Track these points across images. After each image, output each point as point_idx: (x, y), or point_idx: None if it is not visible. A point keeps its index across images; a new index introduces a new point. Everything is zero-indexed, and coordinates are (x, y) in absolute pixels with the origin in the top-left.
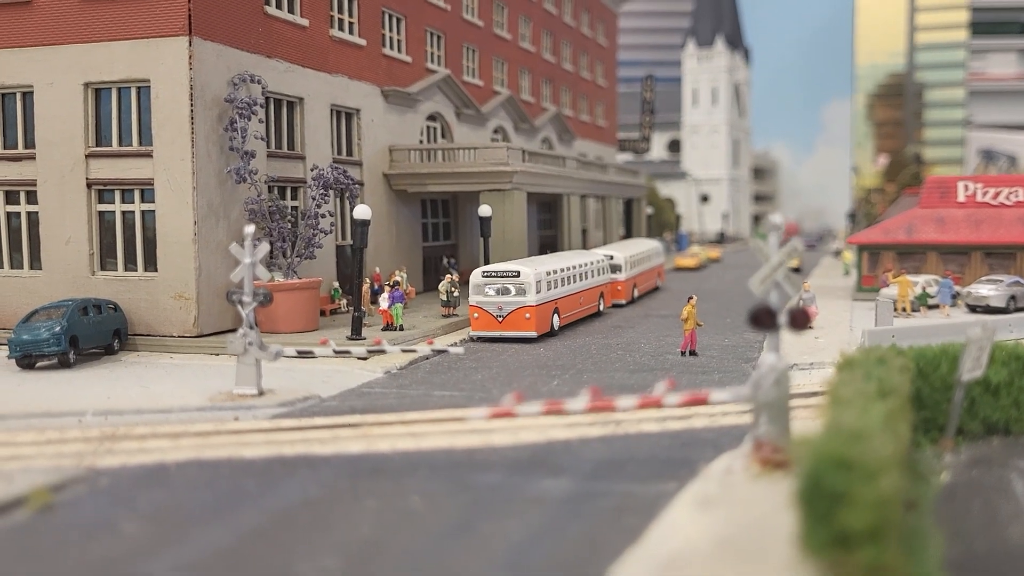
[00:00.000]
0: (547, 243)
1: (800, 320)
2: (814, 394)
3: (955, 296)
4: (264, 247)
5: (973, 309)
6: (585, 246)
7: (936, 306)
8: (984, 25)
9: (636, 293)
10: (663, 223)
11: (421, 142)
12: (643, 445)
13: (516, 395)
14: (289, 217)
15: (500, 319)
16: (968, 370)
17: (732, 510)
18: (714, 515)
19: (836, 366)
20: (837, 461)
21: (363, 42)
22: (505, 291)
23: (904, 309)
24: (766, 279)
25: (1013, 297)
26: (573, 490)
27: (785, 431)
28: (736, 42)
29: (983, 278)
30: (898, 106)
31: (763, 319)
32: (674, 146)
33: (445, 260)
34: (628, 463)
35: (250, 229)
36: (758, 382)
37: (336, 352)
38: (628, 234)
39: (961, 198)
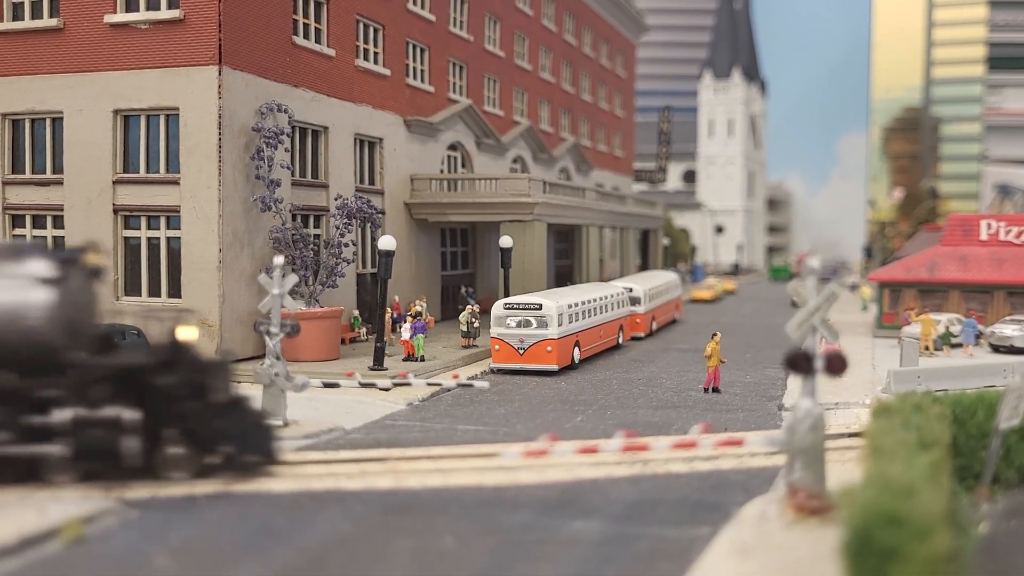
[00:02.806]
0: (563, 273)
1: (837, 365)
2: (842, 435)
3: (979, 336)
4: (292, 278)
5: (996, 349)
6: (601, 276)
7: (959, 345)
8: (1001, 60)
9: (654, 326)
10: (678, 254)
11: (442, 171)
12: (672, 486)
13: (551, 436)
14: (312, 246)
15: (521, 351)
16: (1006, 418)
17: (770, 558)
18: (752, 563)
19: (872, 412)
20: (888, 517)
21: (388, 72)
22: (527, 323)
23: (927, 348)
24: (803, 323)
25: None
26: (605, 532)
27: (820, 477)
28: (753, 74)
29: (1006, 317)
30: (914, 140)
31: (800, 364)
32: (689, 176)
33: (463, 289)
34: (659, 505)
35: (279, 260)
36: (793, 427)
37: (362, 385)
38: (644, 265)
39: (984, 236)
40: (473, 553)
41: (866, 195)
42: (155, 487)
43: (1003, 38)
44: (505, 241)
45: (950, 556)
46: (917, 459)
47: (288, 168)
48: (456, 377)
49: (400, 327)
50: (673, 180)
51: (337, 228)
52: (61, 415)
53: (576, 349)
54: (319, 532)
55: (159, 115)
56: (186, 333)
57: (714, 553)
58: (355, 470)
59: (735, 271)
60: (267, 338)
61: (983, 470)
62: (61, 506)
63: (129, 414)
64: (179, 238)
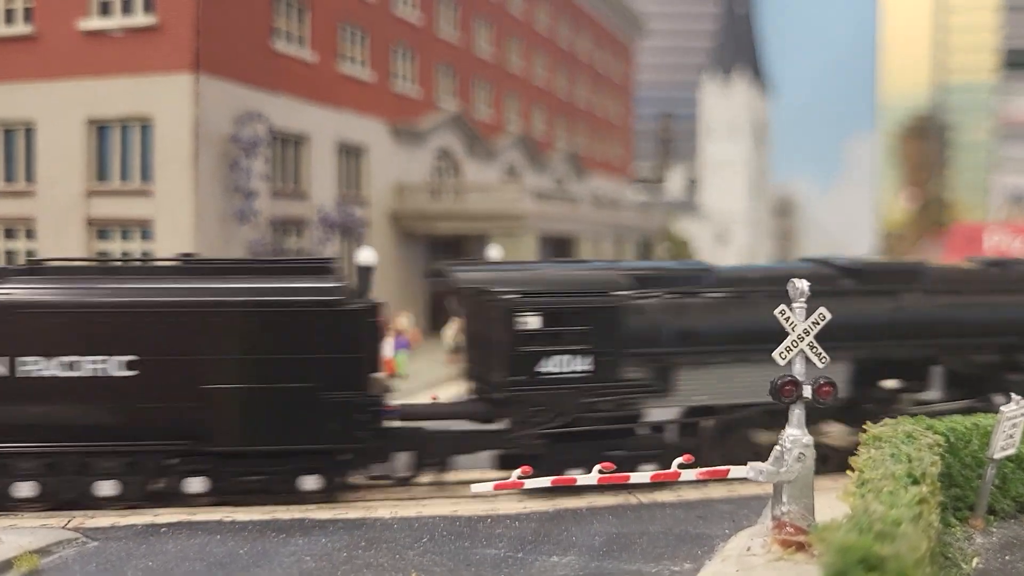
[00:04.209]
0: None
1: (826, 392)
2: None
3: None
4: None
5: None
6: None
7: None
8: (1011, 67)
9: None
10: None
11: (430, 180)
12: (657, 517)
13: (524, 468)
14: None
15: None
16: (1000, 447)
17: None
18: None
19: (861, 440)
20: (866, 559)
21: (372, 77)
22: None
23: None
24: (791, 348)
25: None
26: (580, 568)
27: (809, 510)
28: (757, 77)
29: None
30: (922, 146)
31: (786, 391)
32: (691, 182)
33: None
34: (640, 538)
35: None
36: (780, 457)
37: None
38: None
39: (987, 246)
40: None
41: (873, 202)
42: (117, 515)
43: (1013, 45)
44: (493, 252)
45: None
46: (904, 494)
47: (267, 178)
48: (435, 398)
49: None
50: (674, 186)
51: (319, 240)
52: None
53: None
54: (280, 567)
55: (133, 124)
56: None
57: None
58: (324, 496)
59: None
60: None
61: (977, 501)
62: (16, 536)
63: None
64: (153, 251)
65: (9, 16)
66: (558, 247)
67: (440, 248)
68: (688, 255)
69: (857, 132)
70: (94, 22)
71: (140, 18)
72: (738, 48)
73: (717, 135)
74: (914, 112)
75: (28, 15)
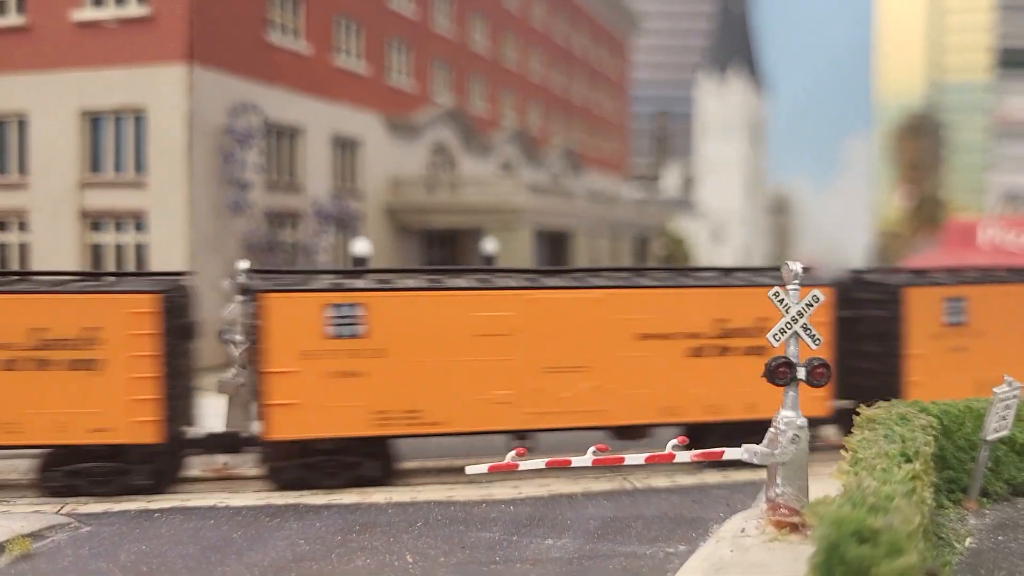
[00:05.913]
0: None
1: (820, 374)
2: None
3: None
4: None
5: None
6: None
7: None
8: (1006, 66)
9: None
10: (673, 259)
11: (426, 173)
12: (651, 501)
13: (518, 450)
14: (288, 252)
15: None
16: (993, 429)
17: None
18: None
19: (856, 423)
20: (859, 532)
21: (367, 71)
22: None
23: None
24: (785, 330)
25: None
26: (576, 550)
27: (803, 491)
28: (753, 75)
29: None
30: (917, 145)
31: (780, 373)
32: (687, 179)
33: None
34: (635, 521)
35: (244, 264)
36: (774, 439)
37: None
38: None
39: (982, 241)
40: (434, 573)
41: (870, 200)
42: (111, 501)
43: (1009, 44)
44: (488, 246)
45: (929, 570)
46: (896, 471)
47: (262, 170)
48: None
49: None
50: (670, 183)
51: (314, 233)
52: None
53: None
54: (274, 550)
55: (127, 115)
56: None
57: (687, 571)
58: None
59: None
60: (232, 347)
61: (970, 483)
62: (8, 521)
63: None
64: (148, 243)
65: (1, 7)
66: (554, 242)
67: (435, 241)
68: (684, 253)
69: (853, 131)
70: (87, 13)
71: (133, 9)
72: (734, 47)
73: (713, 133)
74: (910, 111)
75: (21, 6)
